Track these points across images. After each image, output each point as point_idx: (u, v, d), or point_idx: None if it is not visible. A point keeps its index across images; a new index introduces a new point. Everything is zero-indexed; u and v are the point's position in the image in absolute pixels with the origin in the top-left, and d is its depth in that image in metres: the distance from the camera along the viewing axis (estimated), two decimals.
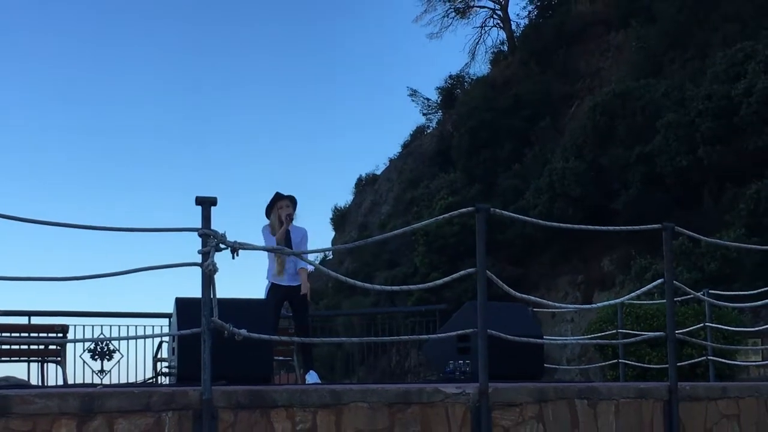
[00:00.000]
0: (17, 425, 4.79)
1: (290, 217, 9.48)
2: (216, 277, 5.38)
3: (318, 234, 43.00)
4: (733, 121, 21.04)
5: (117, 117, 60.49)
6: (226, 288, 5.70)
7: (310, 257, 9.50)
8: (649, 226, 7.99)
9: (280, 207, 9.54)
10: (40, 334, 10.89)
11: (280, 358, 11.84)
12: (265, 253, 9.11)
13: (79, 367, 11.94)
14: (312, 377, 9.27)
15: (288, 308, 9.83)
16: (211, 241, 5.33)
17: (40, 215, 5.32)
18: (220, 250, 5.38)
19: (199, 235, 5.35)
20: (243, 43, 64.25)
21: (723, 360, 12.88)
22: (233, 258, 5.47)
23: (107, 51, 61.63)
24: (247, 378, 6.44)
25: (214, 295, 5.36)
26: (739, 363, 13.89)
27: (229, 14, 63.61)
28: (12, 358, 10.95)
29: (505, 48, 37.70)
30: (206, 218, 5.35)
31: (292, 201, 9.66)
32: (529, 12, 36.42)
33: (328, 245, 37.80)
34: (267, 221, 9.63)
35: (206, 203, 5.36)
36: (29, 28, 59.46)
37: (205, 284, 5.35)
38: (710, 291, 12.95)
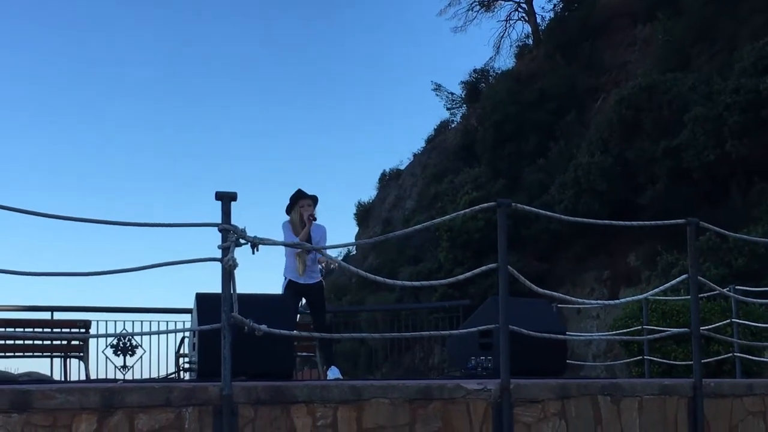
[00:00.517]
0: (38, 420, 4.81)
1: (313, 218, 9.48)
2: (236, 272, 5.37)
3: (341, 229, 42.99)
4: (761, 114, 20.83)
5: (135, 111, 60.69)
6: (246, 283, 5.69)
7: (334, 253, 9.51)
8: (673, 221, 7.93)
9: (302, 206, 9.56)
10: (63, 330, 10.95)
11: (304, 354, 11.85)
12: (282, 249, 9.12)
13: (101, 363, 12.00)
14: (333, 373, 9.25)
15: (305, 306, 9.85)
16: (231, 237, 5.32)
17: (59, 211, 5.33)
18: (240, 245, 5.37)
19: (219, 231, 5.35)
20: (264, 35, 64.38)
21: (750, 357, 12.77)
22: (253, 253, 5.46)
23: (135, 45, 61.94)
24: (267, 374, 6.43)
25: (234, 290, 5.35)
26: (766, 360, 13.76)
27: (253, 7, 63.72)
28: (35, 354, 11.03)
29: (530, 41, 37.50)
30: (226, 213, 5.35)
31: (314, 200, 9.67)
32: (555, 5, 36.26)
33: (352, 240, 37.79)
34: (286, 218, 9.64)
35: (226, 198, 5.36)
36: (34, 19, 59.77)
37: (225, 280, 5.34)
38: (737, 287, 12.84)
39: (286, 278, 9.53)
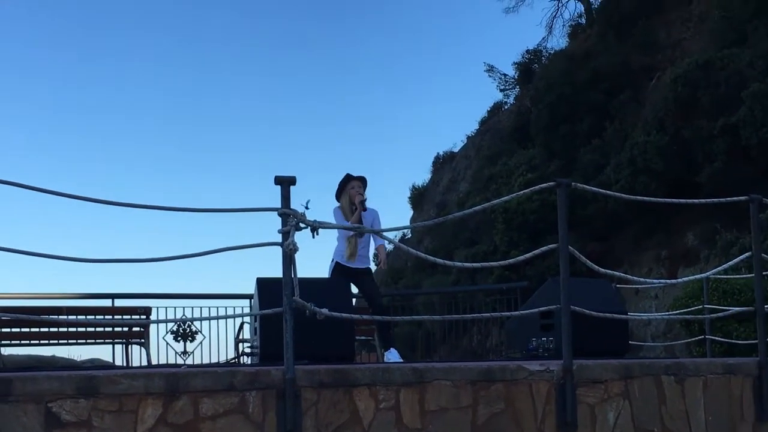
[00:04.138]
0: (104, 405, 4.86)
1: (363, 206, 9.40)
2: (296, 256, 5.39)
3: (396, 213, 42.94)
4: None
5: (190, 100, 61.01)
6: (306, 267, 5.70)
7: (390, 236, 9.48)
8: (735, 198, 7.81)
9: (352, 187, 9.50)
10: (124, 317, 11.09)
11: (362, 337, 11.87)
12: (335, 233, 9.16)
13: (162, 349, 12.15)
14: (393, 355, 9.25)
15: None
16: (291, 221, 5.33)
17: (120, 198, 5.38)
18: (300, 229, 5.38)
19: (279, 215, 5.36)
20: (312, 21, 64.37)
21: None
22: (313, 237, 5.47)
23: (194, 43, 62.37)
24: (329, 357, 6.46)
25: (295, 274, 5.36)
26: None
27: None
28: (97, 341, 11.19)
29: (583, 21, 37.09)
30: (286, 198, 5.36)
31: (363, 182, 9.58)
32: None
33: (407, 224, 37.76)
34: (336, 204, 9.63)
35: (285, 183, 5.36)
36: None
37: (285, 264, 5.35)
38: None
39: (334, 261, 9.54)
